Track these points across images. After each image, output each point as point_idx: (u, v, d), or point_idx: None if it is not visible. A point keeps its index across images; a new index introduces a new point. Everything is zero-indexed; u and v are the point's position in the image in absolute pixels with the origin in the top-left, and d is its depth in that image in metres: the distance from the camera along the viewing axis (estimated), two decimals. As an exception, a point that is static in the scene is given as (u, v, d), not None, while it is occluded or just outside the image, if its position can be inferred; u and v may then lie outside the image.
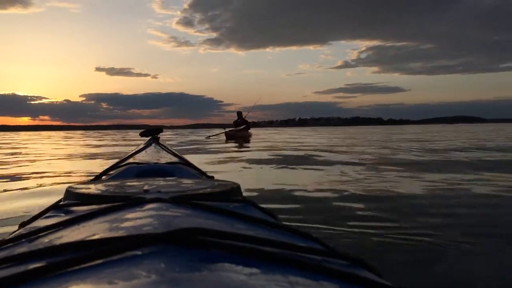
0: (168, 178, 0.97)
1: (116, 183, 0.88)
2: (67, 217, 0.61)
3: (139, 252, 0.40)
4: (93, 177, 1.24)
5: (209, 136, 16.50)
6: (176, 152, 1.67)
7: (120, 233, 0.47)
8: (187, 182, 0.88)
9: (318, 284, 0.38)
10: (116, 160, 1.50)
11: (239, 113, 17.01)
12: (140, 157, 1.48)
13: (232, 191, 0.80)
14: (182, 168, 1.32)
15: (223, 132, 15.05)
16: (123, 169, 1.27)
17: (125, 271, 0.36)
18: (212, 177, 1.28)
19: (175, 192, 0.72)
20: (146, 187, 0.78)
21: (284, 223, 0.66)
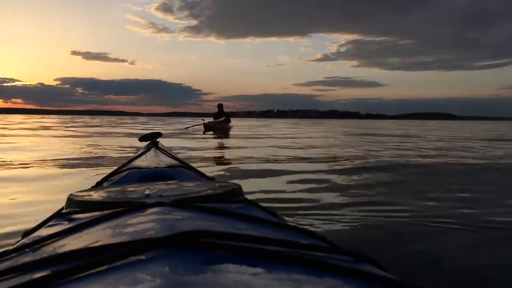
0: (169, 182, 0.99)
1: (117, 189, 0.90)
2: (70, 225, 0.62)
3: (142, 257, 0.40)
4: (94, 184, 1.27)
5: (187, 127, 16.20)
6: (176, 156, 1.69)
7: (123, 239, 0.47)
8: (188, 185, 0.90)
9: (323, 281, 0.39)
10: (116, 166, 1.52)
11: (220, 105, 16.48)
12: (140, 162, 1.50)
13: (233, 192, 0.81)
14: (183, 171, 1.34)
15: (201, 124, 14.65)
16: (124, 174, 1.29)
17: (129, 276, 0.36)
18: (213, 178, 1.31)
19: (176, 196, 0.73)
20: (147, 192, 0.79)
21: (287, 222, 0.67)
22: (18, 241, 0.67)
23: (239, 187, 0.85)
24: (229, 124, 16.29)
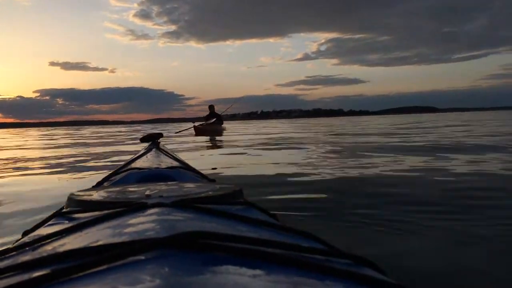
0: (169, 183, 0.98)
1: (117, 189, 0.89)
2: (70, 224, 0.61)
3: (142, 257, 0.40)
4: (94, 184, 1.26)
5: (178, 131, 15.42)
6: (176, 157, 1.69)
7: (123, 239, 0.47)
8: (188, 186, 0.89)
9: (322, 284, 0.39)
10: (117, 166, 1.51)
11: (211, 107, 15.86)
12: (141, 163, 1.48)
13: (234, 194, 0.80)
14: (183, 172, 1.33)
15: (191, 127, 14.21)
16: (124, 175, 1.29)
17: (129, 276, 0.36)
18: (214, 180, 1.29)
19: (177, 196, 0.72)
20: (148, 192, 0.79)
21: (286, 224, 0.67)
22: (18, 240, 0.66)
23: (240, 189, 0.85)
24: (222, 125, 15.46)
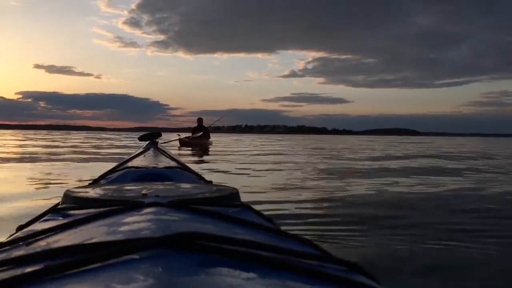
0: (166, 183, 0.97)
1: (114, 187, 0.88)
2: (64, 221, 0.61)
3: (136, 256, 0.40)
4: (91, 181, 1.26)
5: (165, 142, 14.33)
6: (174, 157, 1.66)
7: (117, 237, 0.47)
8: (185, 186, 0.89)
9: None
10: (115, 164, 1.50)
11: (200, 120, 15.07)
12: (139, 161, 1.47)
13: (230, 196, 0.80)
14: (181, 172, 1.32)
15: (176, 139, 13.60)
16: (121, 173, 1.27)
17: (122, 275, 0.36)
18: (211, 181, 1.28)
19: (173, 197, 0.71)
20: (144, 191, 0.78)
21: (281, 228, 0.67)
22: (12, 235, 0.66)
23: (236, 191, 0.85)
24: (209, 140, 14.84)
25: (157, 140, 1.88)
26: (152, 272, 0.36)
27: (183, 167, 1.44)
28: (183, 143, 13.43)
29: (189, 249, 0.42)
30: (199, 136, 14.19)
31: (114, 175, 1.29)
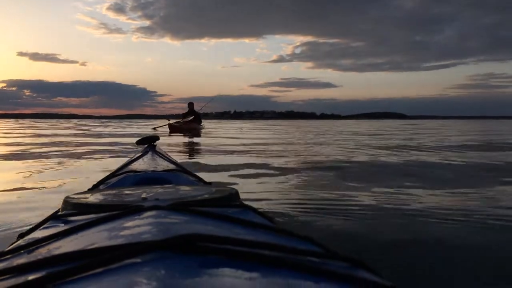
0: (166, 186, 0.98)
1: (113, 192, 0.88)
2: (65, 227, 0.61)
3: (138, 260, 0.40)
4: (90, 187, 1.25)
5: (155, 127, 14.86)
6: (173, 160, 1.68)
7: (119, 241, 0.47)
8: (185, 189, 0.89)
9: (318, 286, 0.39)
10: (113, 169, 1.49)
11: (190, 104, 14.64)
12: (137, 166, 1.48)
13: (230, 197, 0.80)
14: (180, 175, 1.32)
15: (166, 125, 13.27)
16: (121, 177, 1.27)
17: (125, 279, 0.36)
18: (210, 183, 1.30)
19: (173, 199, 0.71)
20: (144, 195, 0.79)
21: (283, 227, 0.67)
22: (13, 243, 0.66)
23: (236, 192, 0.85)
24: (200, 124, 14.47)
25: (155, 144, 1.88)
26: (155, 275, 0.36)
27: (182, 169, 1.45)
28: (173, 128, 12.86)
29: (190, 251, 0.42)
30: (189, 120, 13.66)
31: (113, 180, 1.29)
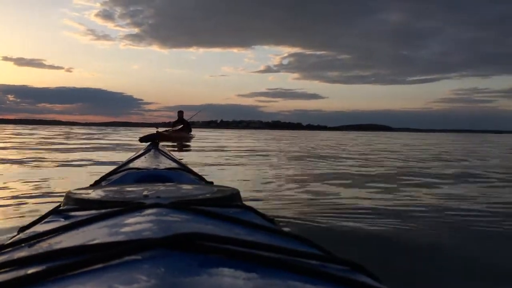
0: (167, 184, 0.98)
1: (115, 188, 0.89)
2: (66, 222, 0.62)
3: (138, 257, 0.40)
4: (92, 183, 1.26)
5: (144, 136, 14.51)
6: (175, 158, 1.67)
7: (119, 238, 0.47)
8: (186, 187, 0.90)
9: None
10: (116, 166, 1.50)
11: (180, 113, 14.44)
12: (139, 163, 1.47)
13: (231, 196, 0.80)
14: (182, 173, 1.33)
15: (154, 133, 12.15)
16: (123, 174, 1.28)
17: (125, 276, 0.36)
18: (212, 182, 1.30)
19: (174, 198, 0.72)
20: (145, 193, 0.79)
21: (283, 229, 0.67)
22: (14, 236, 0.66)
23: (237, 192, 0.85)
24: (190, 133, 14.01)
25: (157, 141, 1.90)
26: (154, 273, 0.36)
27: (184, 168, 1.45)
28: (162, 137, 11.45)
29: (191, 249, 0.42)
30: (179, 129, 13.25)
31: (116, 176, 1.29)
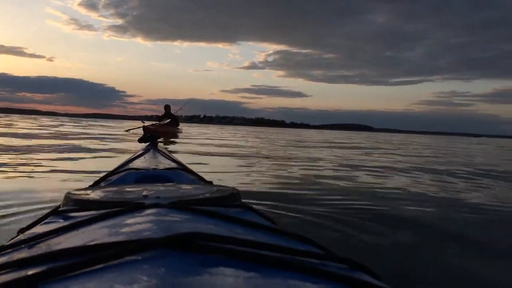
0: (167, 184, 0.97)
1: (115, 189, 0.88)
2: (66, 223, 0.61)
3: (139, 257, 0.40)
4: (91, 183, 1.26)
5: (129, 129, 14.09)
6: (174, 158, 1.68)
7: (119, 238, 0.47)
8: (186, 187, 0.89)
9: (317, 287, 0.39)
10: (115, 166, 1.49)
11: (167, 107, 14.09)
12: (139, 163, 1.47)
13: (231, 196, 0.80)
14: (181, 173, 1.32)
15: (140, 127, 12.51)
16: (122, 175, 1.27)
17: (125, 276, 0.36)
18: (211, 182, 1.30)
19: (174, 198, 0.71)
20: (145, 193, 0.79)
21: (283, 228, 0.66)
22: (14, 237, 0.66)
23: (237, 192, 0.85)
24: (178, 127, 13.74)
25: (156, 142, 1.88)
26: (155, 273, 0.36)
27: (183, 168, 1.44)
28: (148, 130, 11.59)
29: (190, 249, 0.42)
30: (166, 123, 12.94)
31: (115, 177, 1.28)
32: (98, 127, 18.68)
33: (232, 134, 18.23)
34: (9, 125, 14.37)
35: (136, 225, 0.53)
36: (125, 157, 1.95)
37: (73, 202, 0.77)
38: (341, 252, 0.54)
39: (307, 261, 0.46)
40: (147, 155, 1.68)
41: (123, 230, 0.51)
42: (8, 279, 0.38)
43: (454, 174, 5.05)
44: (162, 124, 13.00)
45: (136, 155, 1.69)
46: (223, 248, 0.43)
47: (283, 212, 2.19)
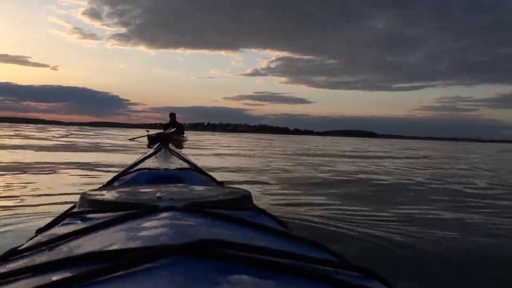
0: (179, 185, 0.99)
1: (128, 189, 0.90)
2: (84, 225, 0.63)
3: (157, 264, 0.41)
4: (104, 183, 1.27)
5: (133, 138, 14.16)
6: (186, 158, 1.68)
7: (138, 243, 0.48)
8: (198, 189, 0.90)
9: None
10: (127, 166, 1.50)
11: (172, 115, 13.65)
12: (151, 163, 1.47)
13: (243, 198, 0.81)
14: (193, 174, 1.34)
15: (145, 136, 12.26)
16: (135, 175, 1.29)
17: (146, 283, 0.37)
18: (222, 183, 1.32)
19: (187, 199, 0.73)
20: (158, 194, 0.80)
21: (296, 233, 0.67)
22: (31, 238, 0.67)
23: (249, 194, 0.86)
24: (183, 136, 13.36)
25: (168, 141, 1.90)
26: (174, 281, 0.37)
27: (195, 168, 1.45)
28: (152, 140, 11.28)
29: (208, 256, 0.42)
30: (171, 132, 12.46)
31: (128, 176, 1.29)
32: (109, 136, 18.67)
33: (248, 143, 17.12)
34: (26, 136, 13.87)
35: (152, 229, 0.54)
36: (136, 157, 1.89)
37: (89, 203, 0.77)
38: (354, 260, 0.52)
39: (321, 269, 0.45)
40: (158, 155, 1.67)
41: (140, 234, 0.52)
42: (32, 284, 0.38)
43: None
44: (167, 133, 12.93)
45: (148, 154, 1.68)
46: (239, 255, 0.43)
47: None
